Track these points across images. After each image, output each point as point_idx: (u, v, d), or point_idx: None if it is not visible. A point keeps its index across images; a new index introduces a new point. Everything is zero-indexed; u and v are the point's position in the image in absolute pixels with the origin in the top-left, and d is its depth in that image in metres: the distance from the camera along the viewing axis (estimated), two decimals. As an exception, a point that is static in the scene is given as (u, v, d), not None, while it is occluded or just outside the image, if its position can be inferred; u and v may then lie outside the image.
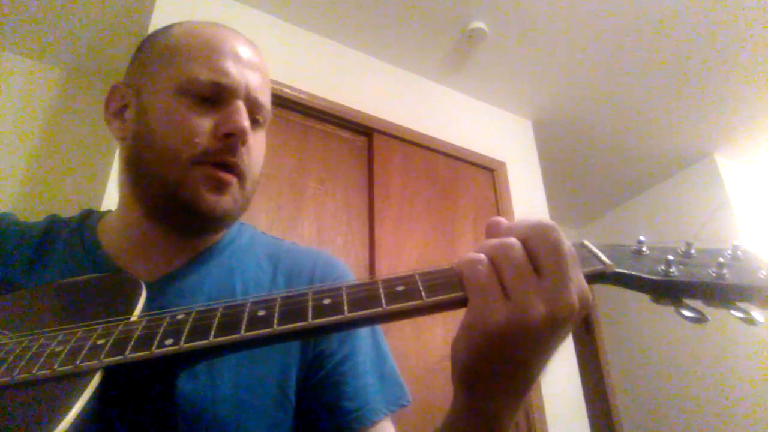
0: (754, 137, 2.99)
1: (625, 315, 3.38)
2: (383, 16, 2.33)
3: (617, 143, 3.10)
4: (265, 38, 2.21)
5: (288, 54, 2.26)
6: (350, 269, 0.71)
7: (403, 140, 2.37)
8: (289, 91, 2.11)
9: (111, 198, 1.65)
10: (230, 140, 0.57)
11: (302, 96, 2.15)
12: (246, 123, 0.57)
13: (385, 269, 2.01)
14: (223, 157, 0.57)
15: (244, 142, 0.58)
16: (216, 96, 0.58)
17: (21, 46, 2.42)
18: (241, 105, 0.58)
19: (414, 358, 1.89)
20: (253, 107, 0.61)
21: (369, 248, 2.04)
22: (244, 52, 0.62)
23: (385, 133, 2.32)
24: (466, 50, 2.50)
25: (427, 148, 2.43)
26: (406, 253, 2.10)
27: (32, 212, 2.04)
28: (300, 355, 0.59)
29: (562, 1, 2.24)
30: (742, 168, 3.19)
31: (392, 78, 2.57)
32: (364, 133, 2.31)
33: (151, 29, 1.97)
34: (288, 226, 1.91)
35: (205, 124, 0.57)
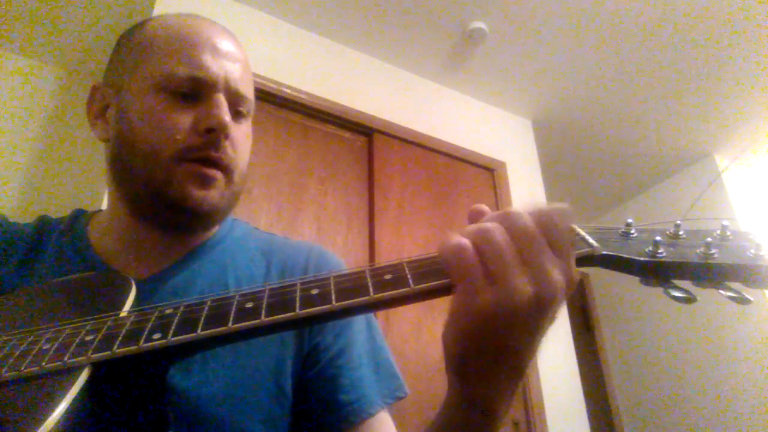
0: (754, 137, 2.99)
1: (626, 314, 3.38)
2: (383, 16, 2.33)
3: (617, 143, 3.10)
4: (266, 38, 2.22)
5: (288, 54, 2.26)
6: (347, 266, 0.71)
7: (403, 140, 2.37)
8: (289, 91, 2.11)
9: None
10: (212, 135, 0.56)
11: (302, 96, 2.15)
12: (226, 116, 0.57)
13: (385, 269, 2.01)
14: (205, 152, 0.56)
15: (226, 136, 0.57)
16: (195, 91, 0.57)
17: (21, 46, 2.42)
18: (221, 98, 0.57)
19: (414, 358, 1.89)
20: (234, 99, 0.60)
21: (369, 248, 2.04)
22: (222, 43, 0.61)
23: (385, 133, 2.32)
24: (466, 50, 2.50)
25: (427, 148, 2.43)
26: (406, 253, 2.10)
27: (32, 212, 2.04)
28: (295, 349, 0.59)
29: (562, 2, 2.24)
30: (741, 168, 3.19)
31: (392, 78, 2.57)
32: (364, 133, 2.31)
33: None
34: (288, 226, 1.91)
35: (185, 120, 0.56)
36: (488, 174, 2.60)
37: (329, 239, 1.98)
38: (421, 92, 2.62)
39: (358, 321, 0.63)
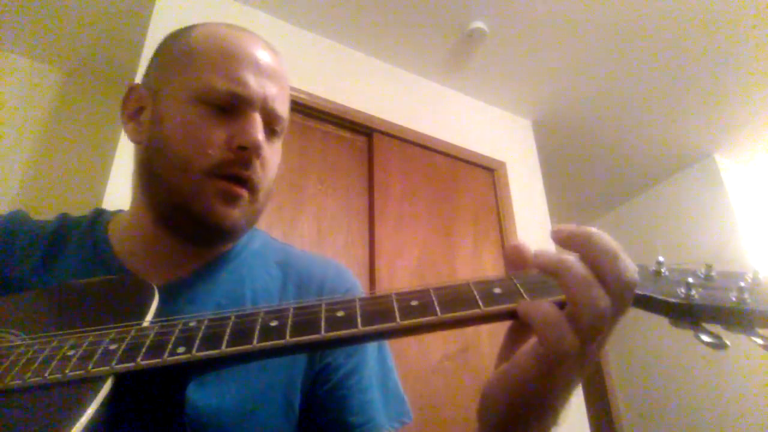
0: (754, 137, 2.99)
1: (626, 318, 3.38)
2: (383, 16, 2.33)
3: (617, 143, 3.10)
4: (265, 38, 2.21)
5: (288, 54, 2.26)
6: (351, 270, 0.71)
7: (403, 140, 2.37)
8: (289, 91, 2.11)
9: (111, 198, 1.65)
10: (244, 153, 0.56)
11: (302, 96, 2.15)
12: (260, 136, 0.56)
13: (385, 269, 2.01)
14: (236, 170, 0.56)
15: (257, 156, 0.57)
16: (232, 106, 0.57)
17: (21, 46, 2.42)
18: (256, 117, 0.57)
19: (414, 358, 1.89)
20: (270, 118, 0.60)
21: (369, 248, 2.04)
22: (265, 60, 0.60)
23: (385, 133, 2.32)
24: (466, 50, 2.50)
25: (427, 148, 2.43)
26: (406, 253, 2.10)
27: (32, 212, 2.04)
28: (306, 367, 0.58)
29: (563, 2, 2.24)
30: (741, 168, 3.19)
31: (392, 78, 2.57)
32: (364, 133, 2.31)
33: (151, 30, 1.97)
34: (288, 226, 1.91)
35: (219, 135, 0.56)
36: (488, 174, 2.60)
37: (329, 239, 1.98)
38: (421, 92, 2.62)
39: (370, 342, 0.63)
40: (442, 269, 2.16)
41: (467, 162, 2.54)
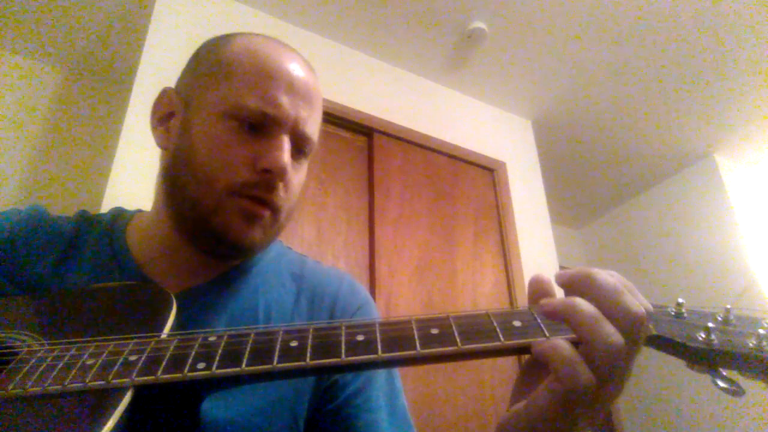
0: (754, 138, 2.99)
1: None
2: (383, 16, 2.33)
3: (617, 143, 3.10)
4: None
5: (288, 54, 2.26)
6: (352, 272, 0.71)
7: (403, 140, 2.37)
8: (289, 91, 2.11)
9: (111, 198, 1.65)
10: (268, 176, 0.56)
11: (302, 96, 2.14)
12: (286, 159, 0.56)
13: (385, 269, 2.01)
14: (259, 191, 0.56)
15: (281, 179, 0.57)
16: (262, 125, 0.57)
17: (21, 46, 2.42)
18: (284, 140, 0.57)
19: (414, 358, 1.89)
20: (299, 139, 0.59)
21: (369, 248, 2.04)
22: (300, 80, 0.60)
23: (385, 133, 2.32)
24: (466, 50, 2.50)
25: (427, 148, 2.43)
26: (406, 253, 2.10)
27: (32, 212, 2.03)
28: (314, 383, 0.58)
29: (563, 2, 2.24)
30: (741, 168, 3.19)
31: (392, 78, 2.57)
32: (364, 133, 2.31)
33: (151, 29, 1.97)
34: (288, 227, 1.90)
35: (246, 153, 0.56)
36: (488, 174, 2.60)
37: (329, 239, 1.98)
38: (421, 92, 2.62)
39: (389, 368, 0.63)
40: (442, 269, 2.16)
41: (467, 162, 2.54)
